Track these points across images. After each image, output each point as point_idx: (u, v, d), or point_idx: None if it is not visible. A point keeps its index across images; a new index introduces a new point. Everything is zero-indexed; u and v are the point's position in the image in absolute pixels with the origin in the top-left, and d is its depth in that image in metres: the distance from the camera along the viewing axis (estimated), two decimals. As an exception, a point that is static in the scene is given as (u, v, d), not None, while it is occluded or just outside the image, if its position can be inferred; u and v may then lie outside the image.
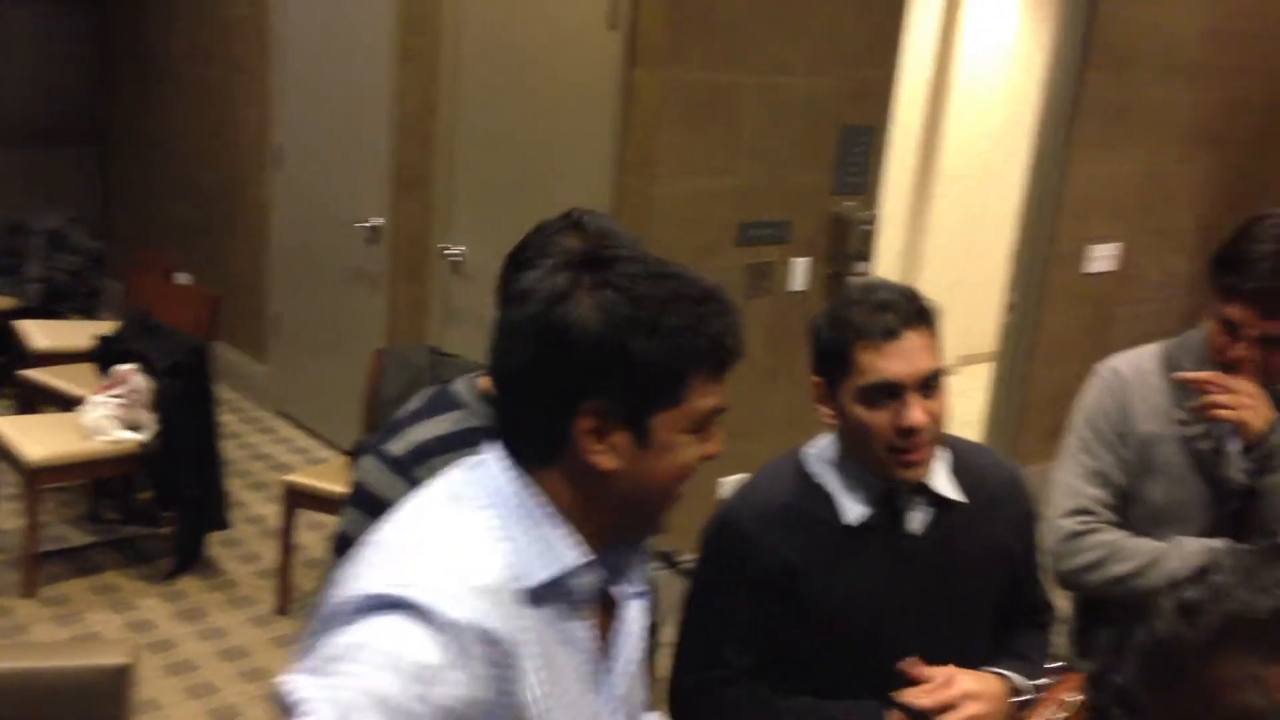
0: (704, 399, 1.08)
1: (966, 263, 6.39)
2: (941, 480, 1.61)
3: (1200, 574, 0.71)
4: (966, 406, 5.01)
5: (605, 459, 1.06)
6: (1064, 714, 1.45)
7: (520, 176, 3.80)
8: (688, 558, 1.51)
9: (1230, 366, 1.82)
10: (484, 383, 1.52)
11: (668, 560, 1.36)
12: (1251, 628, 0.63)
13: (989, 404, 4.59)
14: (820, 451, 1.65)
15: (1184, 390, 1.89)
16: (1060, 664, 1.54)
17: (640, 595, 1.19)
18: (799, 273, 3.71)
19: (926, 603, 1.59)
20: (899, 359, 1.49)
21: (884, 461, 1.53)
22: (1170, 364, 1.96)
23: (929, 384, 1.51)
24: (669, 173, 3.33)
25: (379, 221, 4.42)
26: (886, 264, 5.66)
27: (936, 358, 1.53)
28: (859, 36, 3.60)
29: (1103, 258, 4.55)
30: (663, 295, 1.05)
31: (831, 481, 1.61)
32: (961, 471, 1.63)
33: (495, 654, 0.99)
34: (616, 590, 1.17)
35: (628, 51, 3.30)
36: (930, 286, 6.70)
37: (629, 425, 1.06)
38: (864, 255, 3.79)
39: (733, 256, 3.55)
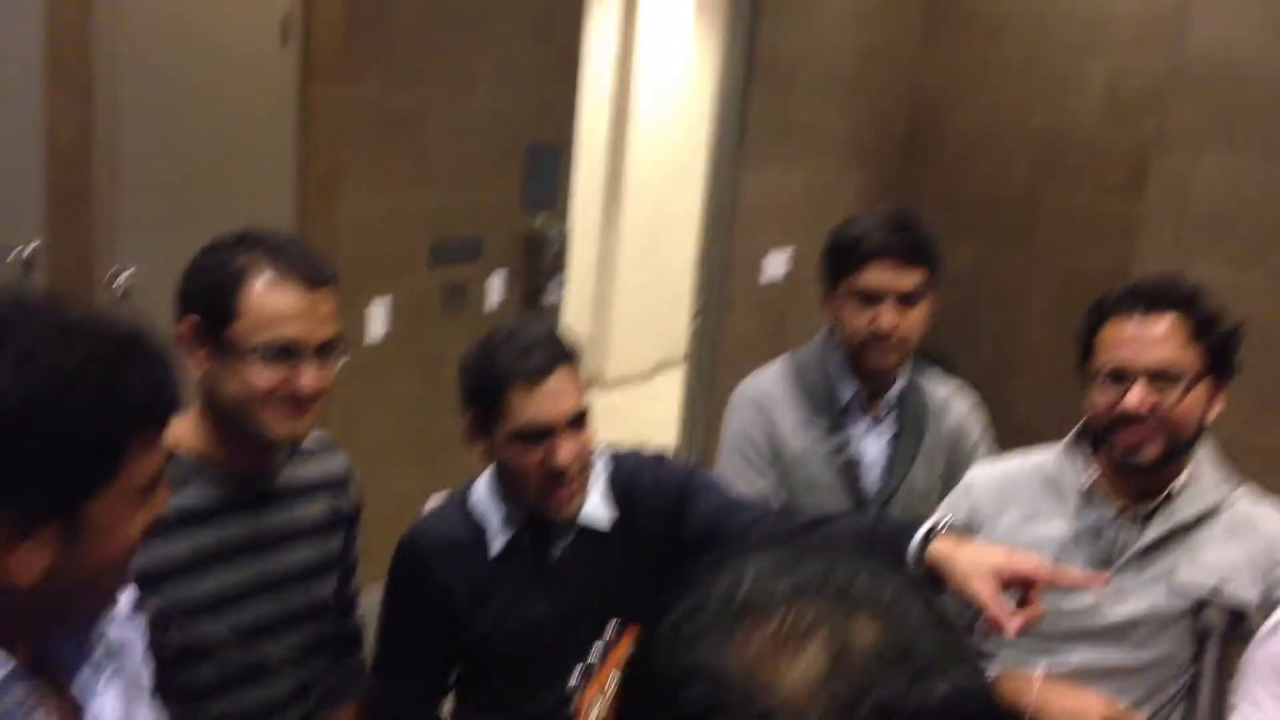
0: (145, 461, 0.92)
1: (657, 272, 6.65)
2: (592, 506, 1.65)
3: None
4: (663, 409, 5.23)
5: (25, 572, 0.87)
6: (609, 698, 1.49)
7: (196, 197, 3.59)
8: None
9: (865, 350, 1.94)
10: None
11: (162, 625, 1.24)
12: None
13: (682, 407, 4.81)
14: (483, 482, 1.70)
15: (818, 407, 2.00)
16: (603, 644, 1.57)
17: (111, 683, 1.04)
18: (495, 290, 3.73)
19: (567, 623, 1.63)
20: (549, 401, 1.53)
21: (536, 501, 1.60)
22: (799, 377, 2.05)
23: (577, 421, 1.57)
24: (354, 191, 3.26)
25: (34, 246, 4.03)
26: (580, 276, 5.79)
27: (582, 394, 1.59)
28: (540, 55, 3.68)
29: (777, 266, 4.88)
30: (72, 361, 0.87)
31: (489, 512, 1.66)
32: (617, 488, 1.69)
33: None
34: (75, 686, 1.01)
35: (303, 68, 3.20)
36: (623, 296, 6.93)
37: (53, 520, 0.88)
38: (558, 269, 3.87)
39: (427, 276, 3.52)
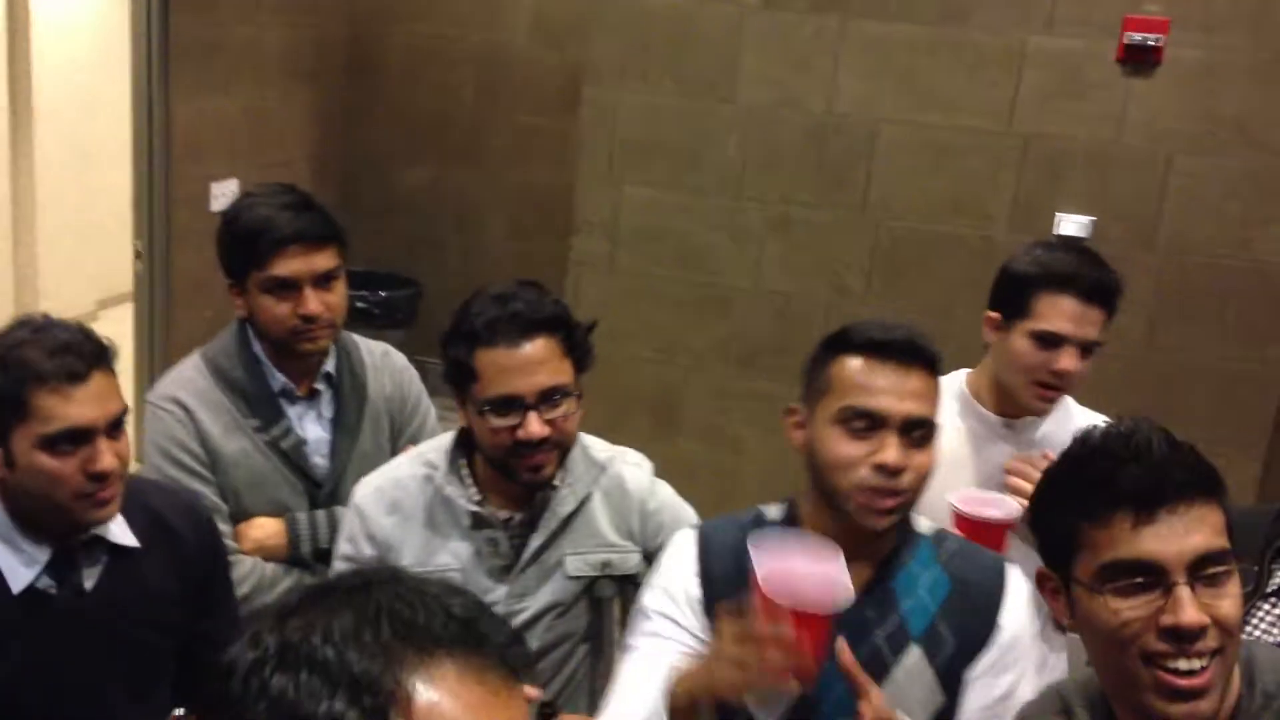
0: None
1: (86, 203, 5.98)
2: (116, 527, 1.54)
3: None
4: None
5: None
6: None
7: None
8: None
9: (294, 338, 1.88)
10: None
11: None
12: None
13: (134, 349, 4.42)
14: None
15: (248, 402, 1.91)
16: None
17: None
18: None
19: (108, 662, 1.53)
20: (89, 404, 1.43)
21: (72, 509, 1.44)
22: (220, 376, 1.93)
23: (115, 426, 1.47)
24: None
25: None
26: (-10, 217, 5.04)
27: (120, 402, 1.48)
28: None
29: (224, 196, 4.60)
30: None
31: None
32: (136, 510, 1.56)
33: None
34: None
35: None
36: (50, 233, 6.17)
37: None
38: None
39: None
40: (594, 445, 1.79)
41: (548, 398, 1.61)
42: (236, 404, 1.91)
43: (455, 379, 1.65)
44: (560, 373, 1.63)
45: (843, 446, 1.41)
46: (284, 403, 1.94)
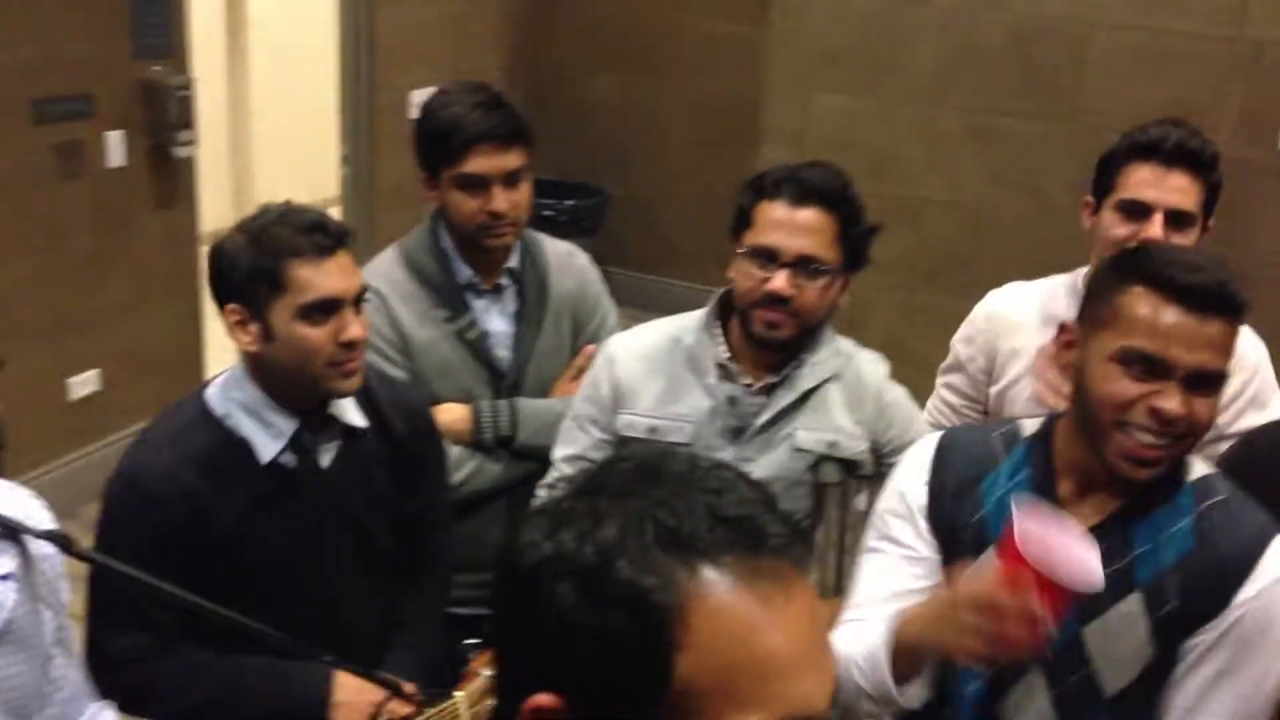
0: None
1: (295, 111, 6.27)
2: (349, 408, 1.64)
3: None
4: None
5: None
6: (484, 687, 1.53)
7: None
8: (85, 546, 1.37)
9: (481, 233, 1.94)
10: None
11: (62, 545, 1.24)
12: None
13: (340, 256, 4.66)
14: (224, 393, 1.60)
15: (438, 292, 1.98)
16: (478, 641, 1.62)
17: (5, 578, 1.15)
18: (115, 148, 3.39)
19: (340, 537, 1.64)
20: (338, 276, 1.52)
21: (323, 377, 1.54)
22: (412, 265, 2.01)
23: (358, 301, 1.57)
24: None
25: None
26: (211, 125, 5.36)
27: (360, 279, 1.59)
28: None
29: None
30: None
31: (243, 423, 1.58)
32: (359, 395, 1.66)
33: None
34: None
35: None
36: (263, 140, 6.49)
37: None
38: (186, 122, 3.57)
39: (31, 138, 3.15)
40: (842, 340, 1.85)
41: (803, 264, 1.67)
42: (428, 295, 1.99)
43: (735, 224, 1.74)
44: (823, 248, 1.68)
45: (1118, 385, 1.30)
46: (470, 296, 2.02)
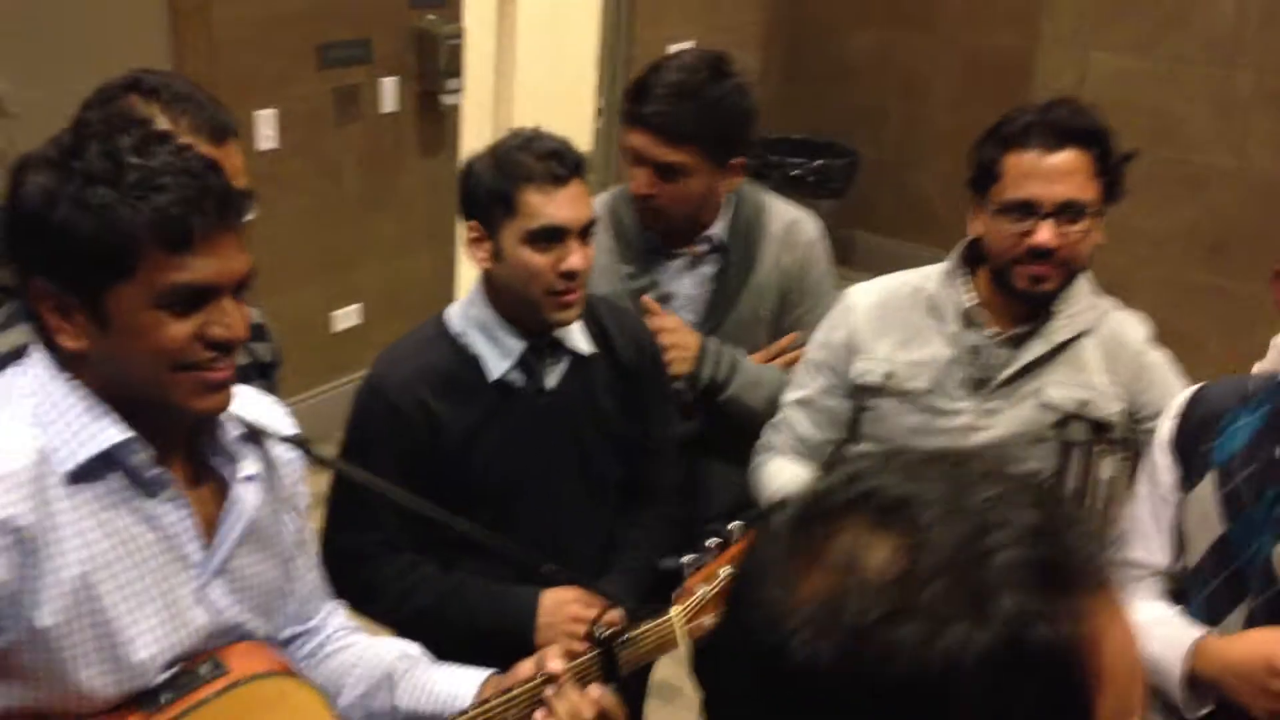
0: (169, 274, 1.04)
1: (556, 67, 6.44)
2: (576, 334, 1.67)
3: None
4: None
5: (68, 339, 1.06)
6: (714, 588, 1.52)
7: (64, 6, 3.33)
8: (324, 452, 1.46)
9: (649, 204, 1.89)
10: None
11: (303, 449, 1.33)
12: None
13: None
14: (463, 311, 1.66)
15: (626, 248, 1.95)
16: (719, 540, 1.58)
17: (251, 479, 1.20)
18: (389, 94, 3.59)
19: (563, 457, 1.67)
20: (567, 205, 1.55)
21: (541, 305, 1.58)
22: (612, 214, 1.97)
23: (586, 232, 1.58)
24: (228, -3, 3.07)
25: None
26: (478, 76, 5.58)
27: (592, 210, 1.60)
28: None
29: (679, 57, 4.76)
30: (103, 168, 1.03)
31: (476, 341, 1.63)
32: (589, 322, 1.69)
33: (17, 540, 1.03)
34: (228, 471, 1.19)
35: None
36: (523, 94, 6.70)
37: (82, 304, 1.05)
38: (454, 71, 3.73)
39: (315, 82, 3.37)
40: (1098, 292, 1.75)
41: (1065, 210, 1.60)
42: (619, 249, 1.97)
43: (979, 180, 1.67)
44: (1084, 189, 1.60)
45: None
46: (662, 257, 1.97)
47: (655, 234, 1.97)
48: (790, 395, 1.86)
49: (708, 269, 1.98)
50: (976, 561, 0.54)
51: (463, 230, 1.65)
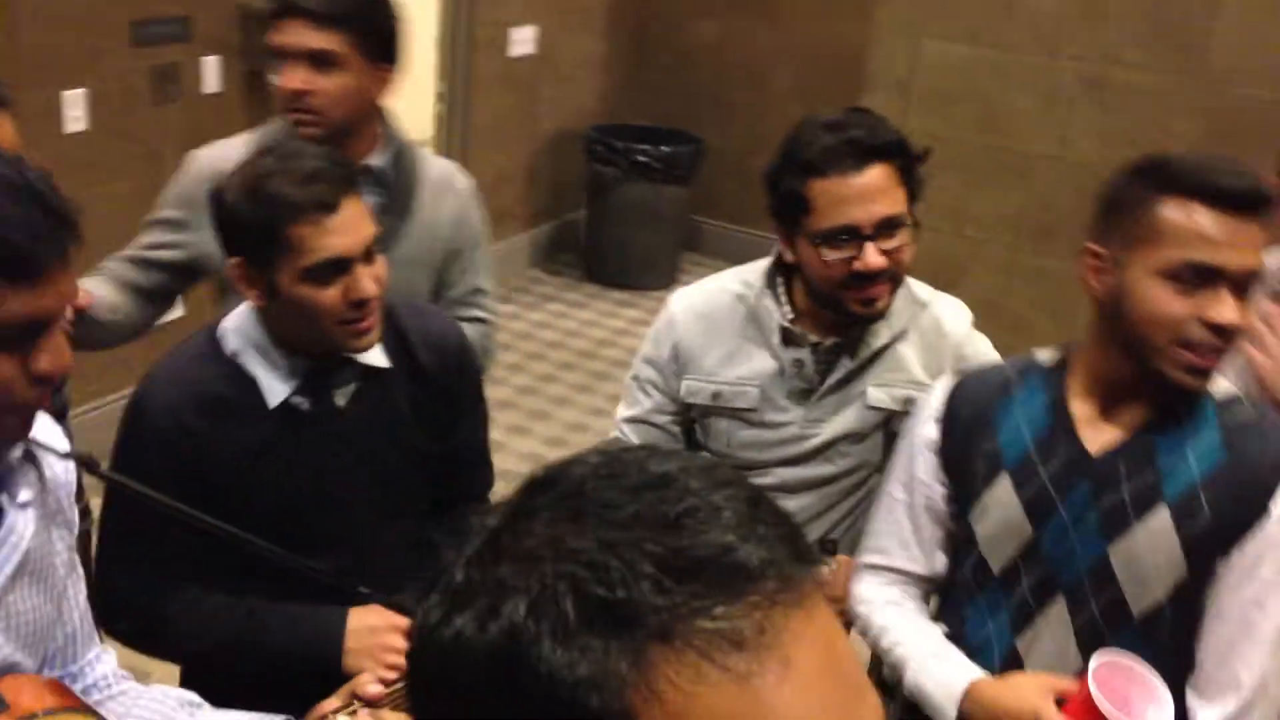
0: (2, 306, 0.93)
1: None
2: (371, 349, 1.53)
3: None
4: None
5: None
6: None
7: None
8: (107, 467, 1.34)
9: (303, 105, 1.80)
10: None
11: (88, 466, 1.21)
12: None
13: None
14: (238, 328, 1.50)
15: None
16: None
17: (24, 506, 1.08)
18: (211, 73, 3.40)
19: (358, 479, 1.55)
20: (344, 232, 1.40)
21: (334, 335, 1.45)
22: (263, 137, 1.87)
23: (369, 253, 1.45)
24: (31, -36, 2.84)
25: None
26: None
27: (372, 225, 1.46)
28: None
29: (522, 41, 4.68)
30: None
31: (252, 363, 1.48)
32: (386, 331, 1.55)
33: None
34: (3, 498, 1.08)
35: None
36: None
37: None
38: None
39: (129, 59, 3.16)
40: (915, 284, 1.75)
41: (885, 228, 1.57)
42: None
43: (785, 211, 1.62)
44: (897, 202, 1.58)
45: (1169, 302, 1.28)
46: None
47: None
48: (622, 413, 1.84)
49: (369, 200, 1.93)
50: (545, 595, 0.50)
51: None
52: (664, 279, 4.93)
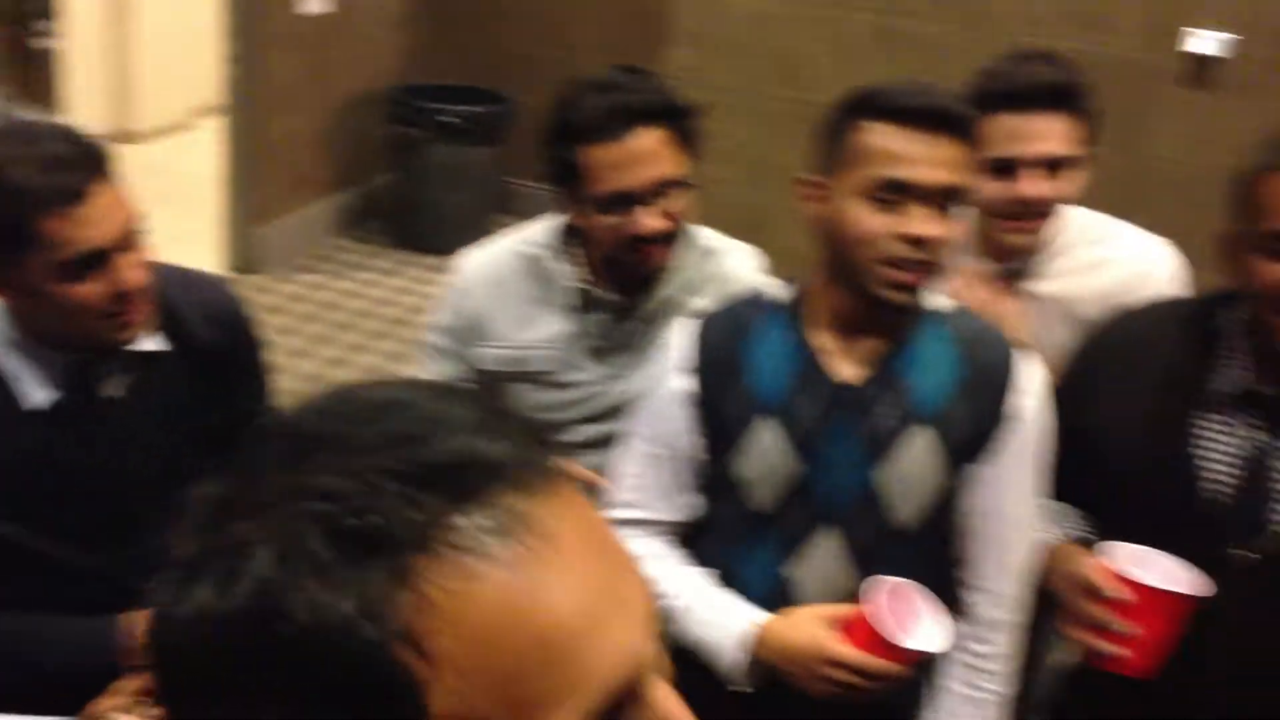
0: None
1: (184, 6, 5.91)
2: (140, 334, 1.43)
3: None
4: (203, 162, 4.78)
5: None
6: None
7: None
8: None
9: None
10: None
11: None
12: None
13: (226, 158, 4.42)
14: None
15: None
16: None
17: None
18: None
19: (138, 469, 1.45)
20: (98, 222, 1.28)
21: (98, 330, 1.34)
22: None
23: (130, 237, 1.33)
24: None
25: None
26: (86, 18, 5.01)
27: (131, 209, 1.34)
28: None
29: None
30: None
31: (11, 364, 1.37)
32: (162, 308, 1.45)
33: None
34: None
35: None
36: (145, 39, 6.13)
37: None
38: (44, 11, 3.30)
39: None
40: (704, 233, 1.74)
41: (660, 191, 1.56)
42: None
43: (560, 178, 1.59)
44: (672, 163, 1.56)
45: (868, 219, 1.32)
46: None
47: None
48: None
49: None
50: (291, 538, 0.46)
51: None
52: (476, 243, 4.84)
